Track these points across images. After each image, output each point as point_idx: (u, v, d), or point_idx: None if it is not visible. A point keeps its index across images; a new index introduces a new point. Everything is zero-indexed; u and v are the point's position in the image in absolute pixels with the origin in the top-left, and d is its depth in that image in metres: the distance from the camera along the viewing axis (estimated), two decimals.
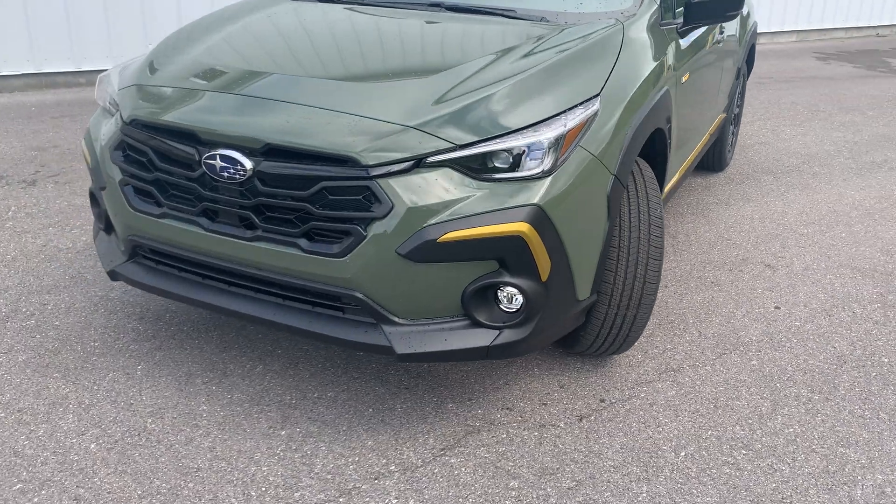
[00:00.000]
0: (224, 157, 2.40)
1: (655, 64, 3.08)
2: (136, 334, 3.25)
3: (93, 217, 3.08)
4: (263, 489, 2.41)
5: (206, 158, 2.43)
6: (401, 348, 2.42)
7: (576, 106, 2.51)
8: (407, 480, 2.48)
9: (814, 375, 3.16)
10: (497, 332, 2.45)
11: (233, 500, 2.36)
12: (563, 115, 2.46)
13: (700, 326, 3.50)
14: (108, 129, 2.79)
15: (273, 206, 2.42)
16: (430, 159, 2.32)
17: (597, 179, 2.53)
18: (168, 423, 2.71)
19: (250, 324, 3.20)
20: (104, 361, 3.05)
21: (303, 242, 2.39)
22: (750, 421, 2.85)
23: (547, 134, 2.38)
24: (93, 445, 2.58)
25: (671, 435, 2.75)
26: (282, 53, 2.86)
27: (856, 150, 6.52)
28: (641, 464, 2.59)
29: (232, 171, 2.40)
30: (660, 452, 2.65)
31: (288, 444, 2.62)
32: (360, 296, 2.39)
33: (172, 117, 2.53)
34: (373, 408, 2.83)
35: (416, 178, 2.31)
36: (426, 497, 2.41)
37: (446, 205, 2.30)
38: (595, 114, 2.54)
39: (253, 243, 2.46)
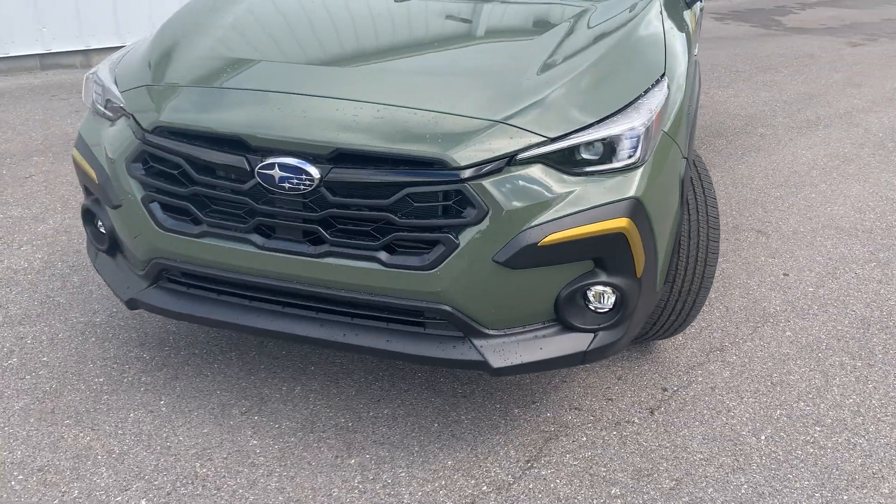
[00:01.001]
0: (284, 167, 2.12)
1: (686, 35, 2.98)
2: (143, 364, 2.90)
3: (89, 237, 2.68)
4: None
5: (260, 169, 2.13)
6: (496, 362, 2.23)
7: (651, 87, 2.36)
8: (505, 500, 2.31)
9: (847, 342, 3.19)
10: (593, 335, 2.30)
11: None
12: (644, 98, 2.31)
13: (724, 300, 3.48)
14: (116, 138, 2.42)
15: (345, 218, 2.16)
16: (521, 156, 2.12)
17: (675, 164, 2.41)
18: (220, 464, 2.42)
19: (311, 346, 2.90)
20: (118, 399, 2.70)
21: (383, 256, 2.15)
22: (810, 395, 2.84)
23: (639, 120, 2.22)
24: (143, 502, 2.26)
25: (744, 418, 2.70)
26: (319, 40, 2.56)
27: (788, 109, 6.72)
28: (729, 453, 2.53)
29: (295, 181, 2.12)
30: (741, 438, 2.60)
31: (363, 475, 2.39)
32: (449, 309, 2.17)
33: (212, 123, 2.21)
34: (437, 422, 2.63)
35: (509, 178, 2.10)
36: None
37: (544, 205, 2.12)
38: (667, 95, 2.41)
39: (321, 260, 2.19)
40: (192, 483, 2.34)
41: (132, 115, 2.37)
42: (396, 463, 2.44)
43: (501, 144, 2.10)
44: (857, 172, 5.19)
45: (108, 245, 2.61)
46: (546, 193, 2.12)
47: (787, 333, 3.24)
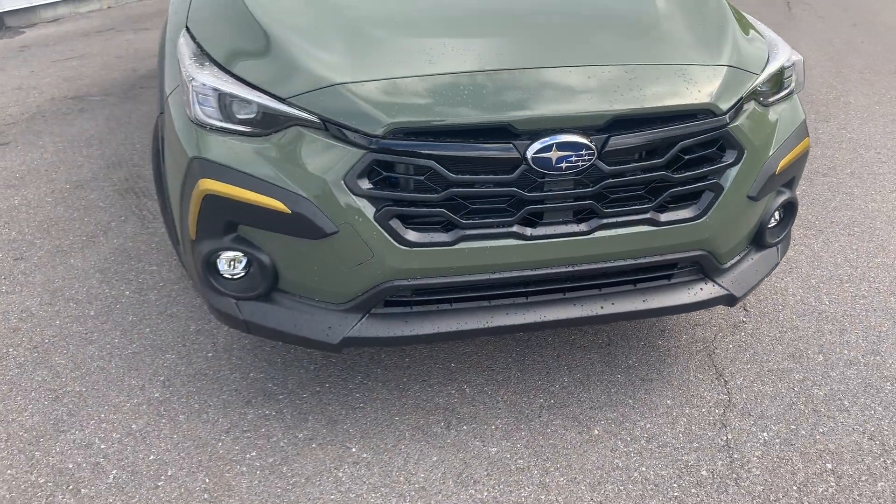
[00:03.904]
0: (563, 146, 1.99)
1: None
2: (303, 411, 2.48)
3: (211, 288, 2.18)
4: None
5: (536, 153, 1.98)
6: (738, 291, 2.38)
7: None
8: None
9: None
10: (776, 249, 2.55)
11: None
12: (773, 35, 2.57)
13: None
14: (305, 154, 2.01)
15: (620, 187, 2.11)
16: (746, 94, 2.26)
17: None
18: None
19: (551, 329, 2.65)
20: (320, 452, 2.31)
21: (657, 216, 2.15)
22: None
23: (789, 51, 2.47)
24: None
25: None
26: (489, 11, 2.34)
27: None
28: None
29: (574, 158, 2.01)
30: None
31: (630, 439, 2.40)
32: (705, 252, 2.27)
33: (469, 114, 1.97)
34: (643, 387, 2.69)
35: (749, 115, 2.24)
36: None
37: (771, 135, 2.30)
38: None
39: (592, 235, 2.12)
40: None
41: (335, 122, 1.99)
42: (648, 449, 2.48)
43: (739, 85, 2.22)
44: None
45: (268, 287, 2.17)
46: (769, 125, 2.29)
47: None
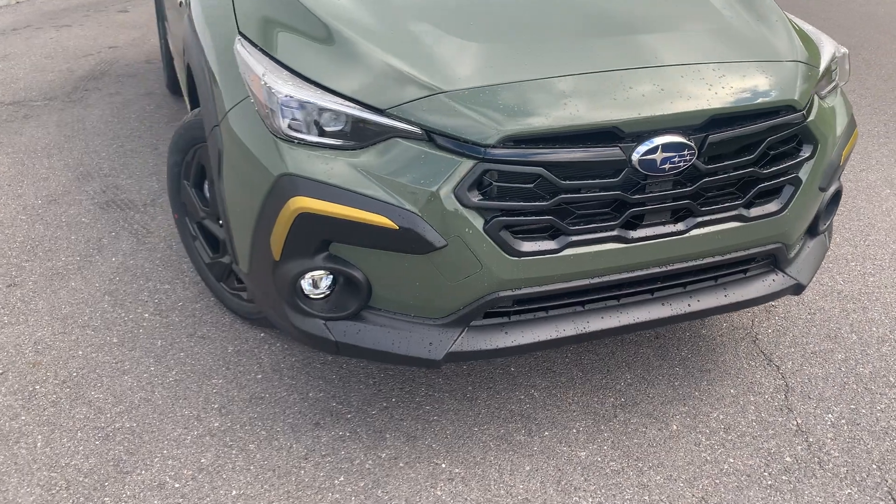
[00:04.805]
0: (668, 147, 1.99)
1: None
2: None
3: (295, 309, 2.07)
4: None
5: (643, 155, 1.97)
6: (804, 279, 2.45)
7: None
8: None
9: None
10: (825, 235, 2.63)
11: None
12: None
13: None
14: (407, 167, 1.93)
15: (715, 185, 2.13)
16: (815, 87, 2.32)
17: None
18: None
19: (642, 331, 2.69)
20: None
21: (745, 212, 2.19)
22: None
23: (834, 45, 2.55)
24: None
25: None
26: (557, 14, 2.29)
27: None
28: None
29: (676, 159, 2.01)
30: None
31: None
32: (781, 245, 2.32)
33: (579, 118, 1.94)
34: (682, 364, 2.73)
35: (818, 109, 2.30)
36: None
37: (832, 126, 2.36)
38: None
39: (688, 234, 2.14)
40: None
41: (442, 133, 1.92)
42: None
43: (810, 80, 2.27)
44: None
45: (360, 306, 2.09)
46: (831, 117, 2.37)
47: None
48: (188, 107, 3.11)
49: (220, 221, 2.73)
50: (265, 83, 2.02)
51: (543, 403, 2.53)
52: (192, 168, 2.77)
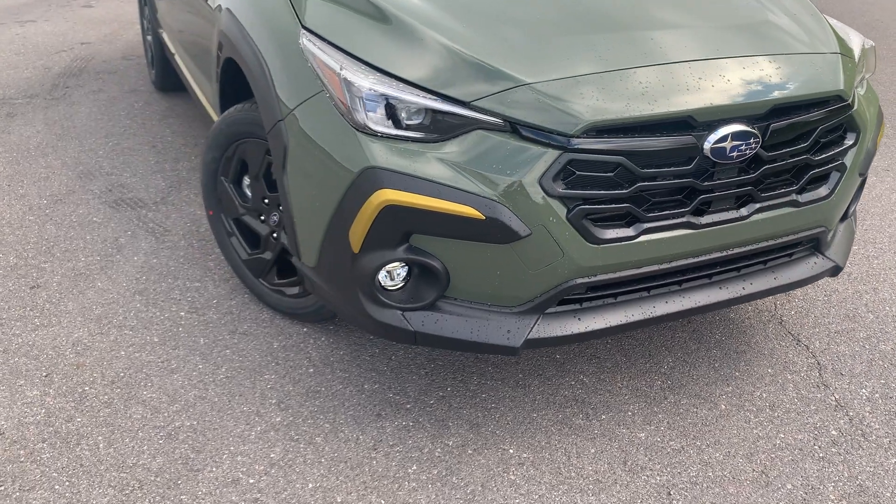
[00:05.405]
0: (736, 135, 2.07)
1: None
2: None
3: (380, 298, 2.09)
4: None
5: (715, 143, 2.05)
6: (841, 261, 2.57)
7: None
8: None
9: None
10: (852, 217, 2.77)
11: None
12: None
13: None
14: (493, 158, 1.96)
15: (773, 172, 2.22)
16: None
17: None
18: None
19: (702, 314, 2.78)
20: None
21: (798, 198, 2.29)
22: None
23: (860, 36, 2.68)
24: None
25: None
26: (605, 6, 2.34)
27: None
28: None
29: (743, 147, 2.10)
30: None
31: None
32: (824, 228, 2.43)
33: (657, 108, 2.00)
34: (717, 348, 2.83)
35: (859, 98, 2.41)
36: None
37: (867, 114, 2.48)
38: None
39: (749, 220, 2.23)
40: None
41: (527, 124, 1.96)
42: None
43: (852, 70, 2.39)
44: None
45: (437, 295, 2.12)
46: (866, 106, 2.49)
47: None
48: (215, 104, 3.08)
49: (262, 217, 2.73)
50: (344, 78, 2.03)
51: (595, 388, 2.60)
52: (232, 164, 2.75)
